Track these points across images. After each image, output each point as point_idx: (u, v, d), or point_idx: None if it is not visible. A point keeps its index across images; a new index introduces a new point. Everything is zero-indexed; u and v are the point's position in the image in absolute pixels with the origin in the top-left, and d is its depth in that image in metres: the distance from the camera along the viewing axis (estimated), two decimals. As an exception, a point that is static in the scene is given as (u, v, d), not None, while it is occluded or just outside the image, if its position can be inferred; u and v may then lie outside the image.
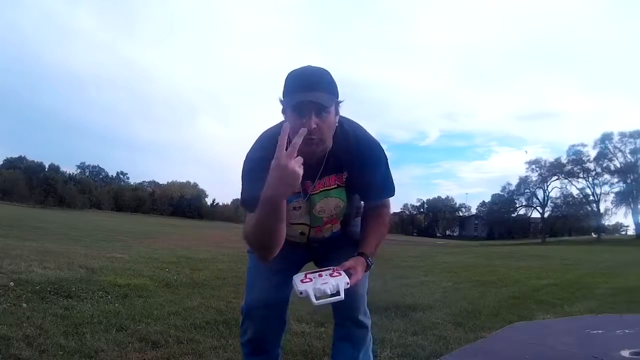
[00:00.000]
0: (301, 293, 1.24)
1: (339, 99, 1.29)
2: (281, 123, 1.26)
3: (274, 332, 1.61)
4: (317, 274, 1.30)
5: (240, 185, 1.35)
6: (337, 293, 1.24)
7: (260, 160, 1.24)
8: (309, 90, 1.22)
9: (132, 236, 14.59)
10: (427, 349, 2.59)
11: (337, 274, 1.29)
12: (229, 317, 3.15)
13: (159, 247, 10.42)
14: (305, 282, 1.27)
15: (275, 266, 1.40)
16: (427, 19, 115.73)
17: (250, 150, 1.37)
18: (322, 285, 1.24)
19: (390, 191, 1.47)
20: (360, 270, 1.32)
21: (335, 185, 1.40)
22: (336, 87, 1.29)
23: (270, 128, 1.39)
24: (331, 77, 1.29)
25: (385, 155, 1.44)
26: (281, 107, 1.30)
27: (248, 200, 1.27)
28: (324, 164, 1.35)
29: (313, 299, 1.22)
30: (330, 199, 1.41)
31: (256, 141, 1.38)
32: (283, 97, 1.27)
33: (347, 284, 1.26)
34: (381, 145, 1.43)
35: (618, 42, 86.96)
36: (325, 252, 1.55)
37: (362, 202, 1.54)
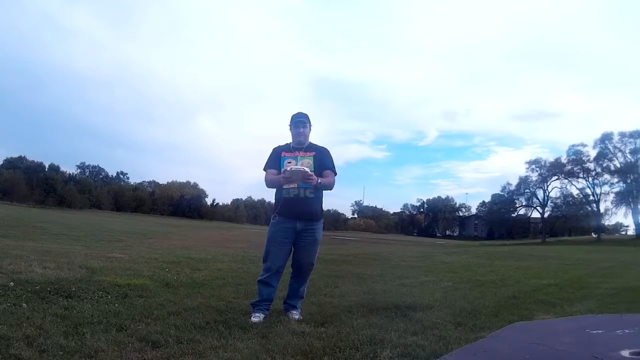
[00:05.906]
0: (289, 165, 3.26)
1: (310, 124, 3.48)
2: (285, 144, 3.49)
3: (277, 278, 3.40)
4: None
5: (266, 160, 3.48)
6: (307, 170, 3.13)
7: (274, 152, 3.47)
8: (300, 118, 3.42)
9: (132, 236, 14.60)
10: (427, 349, 2.59)
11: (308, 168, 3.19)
12: (229, 317, 3.15)
13: (159, 247, 10.43)
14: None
15: (280, 240, 3.34)
16: (426, 19, 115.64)
17: (274, 147, 3.50)
18: (301, 165, 3.23)
19: (333, 169, 3.45)
20: (315, 178, 3.19)
21: (308, 156, 3.38)
22: (309, 119, 3.45)
23: (280, 145, 3.51)
24: (308, 116, 3.45)
25: (331, 155, 3.51)
26: (289, 125, 3.45)
27: (266, 167, 3.44)
28: (305, 148, 3.43)
29: (293, 165, 3.22)
30: (305, 160, 3.35)
31: (276, 146, 3.50)
32: (291, 121, 3.43)
33: (311, 172, 3.17)
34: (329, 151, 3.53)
35: (618, 42, 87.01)
36: (301, 237, 3.36)
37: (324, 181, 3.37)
